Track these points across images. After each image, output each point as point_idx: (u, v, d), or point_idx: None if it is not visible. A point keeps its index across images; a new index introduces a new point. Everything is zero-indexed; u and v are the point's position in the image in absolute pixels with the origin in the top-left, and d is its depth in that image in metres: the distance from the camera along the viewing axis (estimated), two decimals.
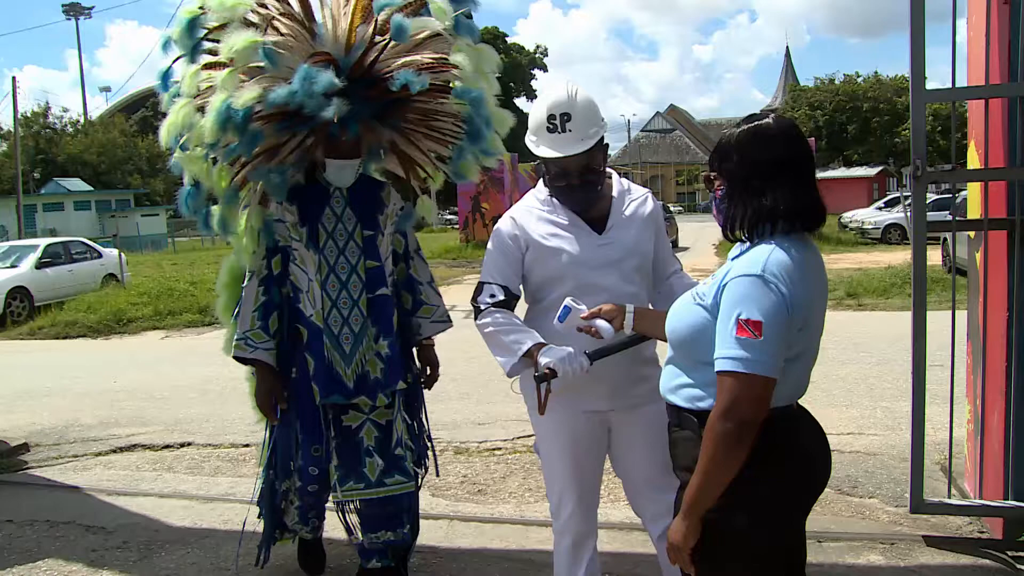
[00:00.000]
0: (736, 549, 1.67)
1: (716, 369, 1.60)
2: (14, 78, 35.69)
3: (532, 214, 2.37)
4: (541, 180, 2.40)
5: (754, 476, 1.62)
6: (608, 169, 2.42)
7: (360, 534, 2.81)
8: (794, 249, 1.64)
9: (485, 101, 2.62)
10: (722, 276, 1.68)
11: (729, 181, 1.73)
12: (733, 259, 1.72)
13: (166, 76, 2.70)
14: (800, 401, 1.79)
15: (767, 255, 1.62)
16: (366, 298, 2.68)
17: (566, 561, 2.48)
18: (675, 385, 1.78)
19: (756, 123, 1.71)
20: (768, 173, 1.67)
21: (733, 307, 1.60)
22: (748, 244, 1.71)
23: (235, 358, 2.72)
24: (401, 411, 2.81)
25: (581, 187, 2.29)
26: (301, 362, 2.70)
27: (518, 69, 51.85)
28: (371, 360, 2.69)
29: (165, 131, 2.55)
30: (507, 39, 52.74)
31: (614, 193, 2.39)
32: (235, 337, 2.69)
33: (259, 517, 3.06)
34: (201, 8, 2.51)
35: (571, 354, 2.13)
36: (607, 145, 2.37)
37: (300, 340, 2.69)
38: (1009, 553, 3.10)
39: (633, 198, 2.41)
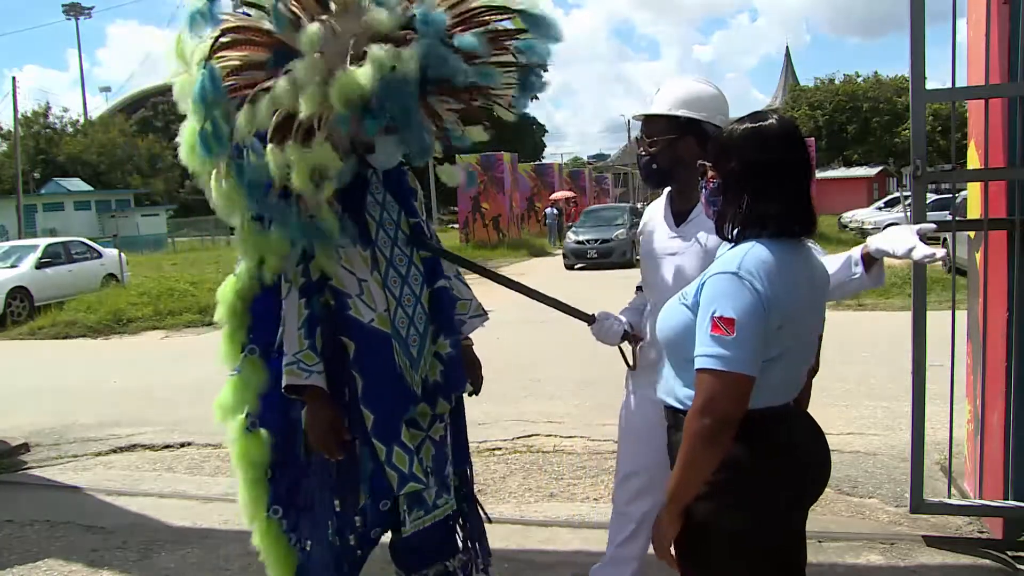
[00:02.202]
0: (725, 548, 1.67)
1: (695, 367, 1.61)
2: (14, 78, 35.71)
3: (656, 203, 2.50)
4: None
5: (745, 475, 1.62)
6: None
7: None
8: (777, 248, 1.64)
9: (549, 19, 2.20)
10: (703, 275, 1.69)
11: (725, 178, 1.72)
12: (719, 257, 1.73)
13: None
14: None
15: (744, 253, 1.63)
16: (427, 292, 2.38)
17: (610, 532, 2.59)
18: (669, 386, 1.78)
19: (759, 123, 1.70)
20: (765, 175, 1.66)
21: (709, 305, 1.61)
22: (733, 243, 1.71)
23: (287, 389, 2.22)
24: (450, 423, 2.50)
25: (642, 158, 2.36)
26: (350, 382, 2.27)
27: None
28: (432, 363, 2.39)
29: (247, 122, 2.03)
30: None
31: None
32: (285, 363, 2.20)
33: None
34: None
35: (602, 328, 2.46)
36: (697, 140, 2.24)
37: (347, 355, 2.26)
38: (1009, 553, 3.10)
39: None
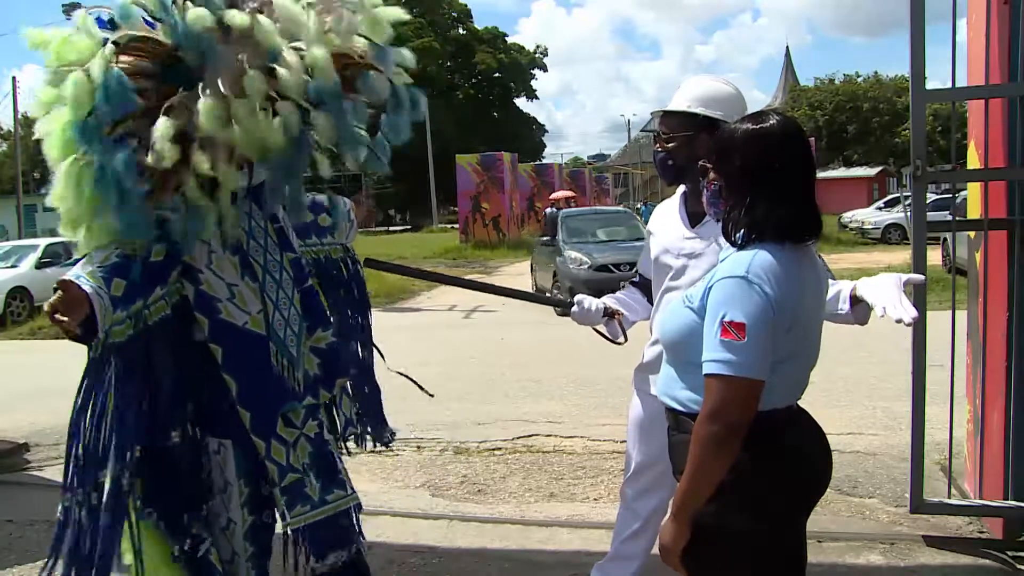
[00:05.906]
0: (729, 550, 1.67)
1: (703, 372, 1.60)
2: (14, 78, 35.72)
3: (668, 203, 2.53)
4: None
5: (750, 477, 1.62)
6: None
7: (310, 562, 2.43)
8: (784, 251, 1.63)
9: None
10: (709, 278, 1.67)
11: (727, 181, 1.70)
12: (722, 261, 1.72)
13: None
14: (800, 402, 1.78)
15: (752, 257, 1.61)
16: (298, 293, 2.45)
17: (616, 527, 2.63)
18: (671, 388, 1.78)
19: (760, 125, 1.68)
20: (767, 178, 1.65)
21: (717, 309, 1.59)
22: (739, 247, 1.69)
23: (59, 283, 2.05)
24: (328, 413, 2.59)
25: (658, 154, 2.40)
26: (222, 388, 2.27)
27: (518, 69, 51.88)
28: (308, 357, 2.47)
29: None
30: (507, 39, 52.82)
31: None
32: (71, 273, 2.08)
33: None
34: None
35: (581, 310, 2.52)
36: (707, 138, 2.15)
37: (215, 362, 2.26)
38: (1009, 553, 3.10)
39: None
